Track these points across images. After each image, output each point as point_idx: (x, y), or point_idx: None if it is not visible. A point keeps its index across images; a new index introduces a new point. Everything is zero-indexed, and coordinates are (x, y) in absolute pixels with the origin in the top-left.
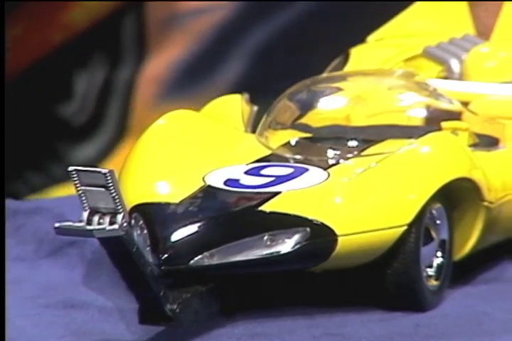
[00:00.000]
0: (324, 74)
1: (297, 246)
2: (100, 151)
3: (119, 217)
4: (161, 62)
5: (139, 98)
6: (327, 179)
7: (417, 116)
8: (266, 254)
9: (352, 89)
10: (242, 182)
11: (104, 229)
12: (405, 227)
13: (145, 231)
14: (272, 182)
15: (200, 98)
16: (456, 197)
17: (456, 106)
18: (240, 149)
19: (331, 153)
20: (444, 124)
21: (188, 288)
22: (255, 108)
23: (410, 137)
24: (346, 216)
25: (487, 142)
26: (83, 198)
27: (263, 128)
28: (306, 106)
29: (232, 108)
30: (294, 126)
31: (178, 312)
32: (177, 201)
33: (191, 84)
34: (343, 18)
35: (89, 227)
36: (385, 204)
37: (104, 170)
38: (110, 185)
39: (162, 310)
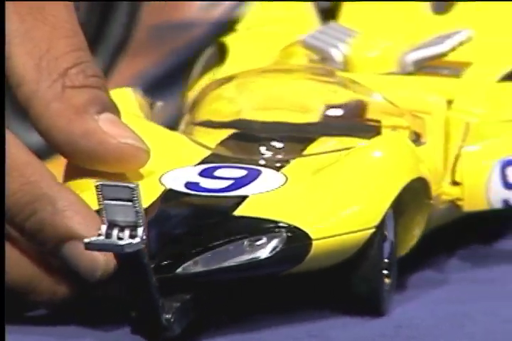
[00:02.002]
0: (247, 70)
1: (275, 250)
2: None
3: (140, 230)
4: (130, 71)
5: None
6: (287, 181)
7: (348, 112)
8: (246, 260)
9: (277, 86)
10: (202, 185)
11: (130, 243)
12: (374, 229)
13: None
14: (233, 185)
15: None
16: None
17: (382, 101)
18: (177, 149)
19: (271, 152)
20: (384, 122)
21: (175, 297)
22: (160, 103)
23: (349, 134)
24: (319, 220)
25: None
26: (103, 212)
27: (190, 126)
28: (236, 101)
29: (126, 102)
30: (228, 123)
31: (172, 321)
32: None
33: (154, 97)
34: None
35: (120, 242)
36: (353, 207)
37: (131, 185)
38: (135, 198)
39: (159, 319)
